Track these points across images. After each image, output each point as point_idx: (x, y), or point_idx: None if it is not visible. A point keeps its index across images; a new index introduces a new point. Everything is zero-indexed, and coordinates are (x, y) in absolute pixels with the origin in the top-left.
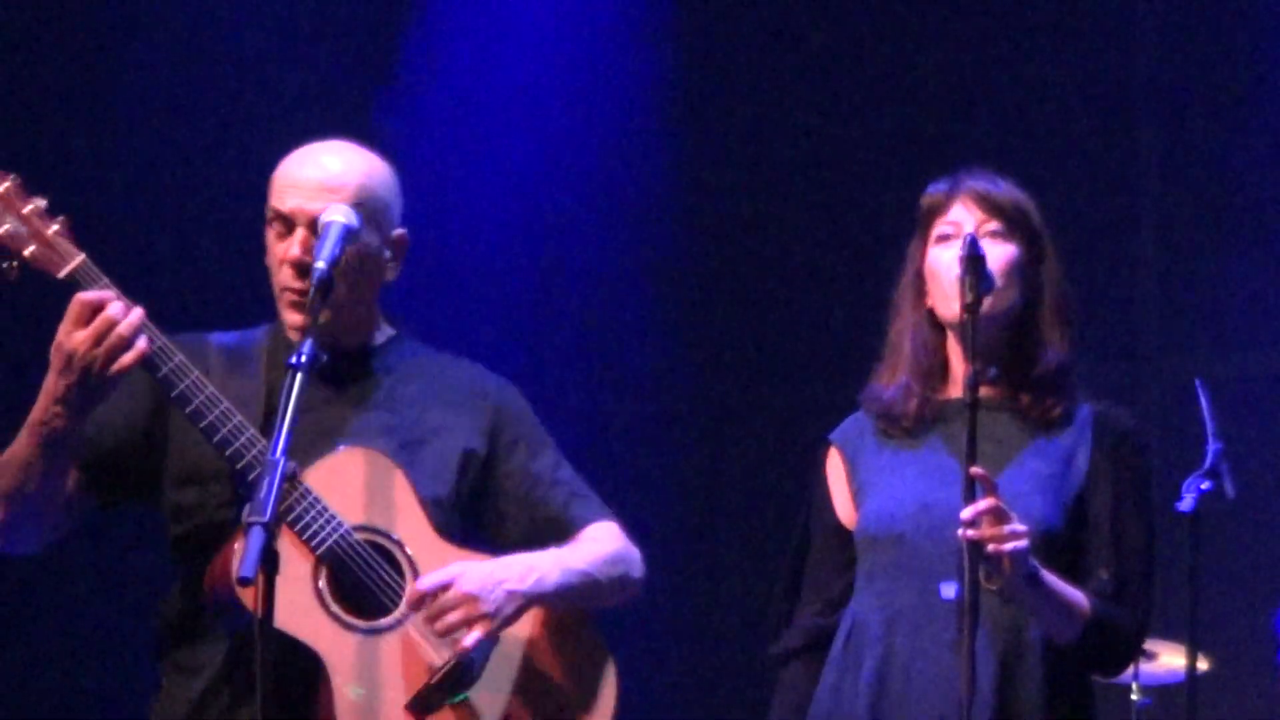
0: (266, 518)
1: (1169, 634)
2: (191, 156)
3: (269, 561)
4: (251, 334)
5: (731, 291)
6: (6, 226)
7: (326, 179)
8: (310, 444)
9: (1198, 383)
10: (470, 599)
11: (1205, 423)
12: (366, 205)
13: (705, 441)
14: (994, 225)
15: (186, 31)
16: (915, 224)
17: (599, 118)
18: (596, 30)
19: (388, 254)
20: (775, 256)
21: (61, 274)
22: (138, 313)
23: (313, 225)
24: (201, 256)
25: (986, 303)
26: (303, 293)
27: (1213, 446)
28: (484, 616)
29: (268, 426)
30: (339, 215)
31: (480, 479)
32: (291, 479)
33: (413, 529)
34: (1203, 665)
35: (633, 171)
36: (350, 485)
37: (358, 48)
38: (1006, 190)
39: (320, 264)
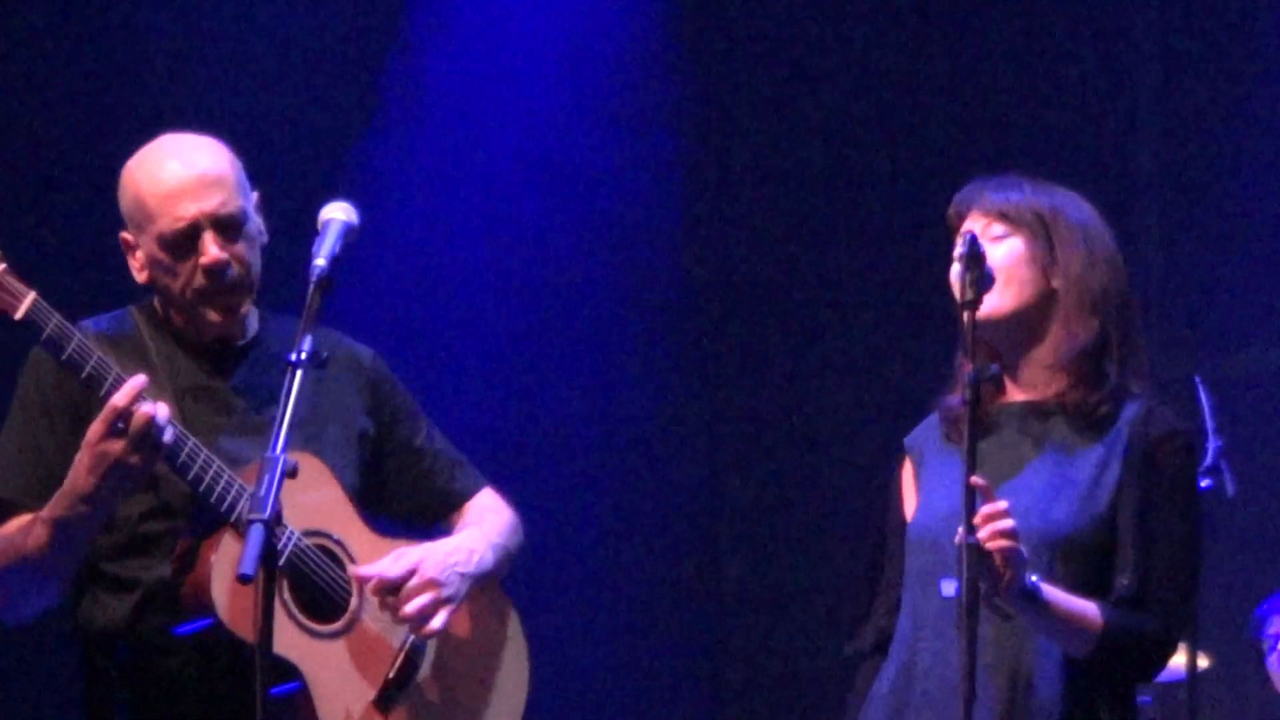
0: (266, 514)
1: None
2: None
3: (269, 559)
4: (122, 322)
5: (735, 298)
6: None
7: (205, 172)
8: (217, 447)
9: (1198, 380)
10: (434, 584)
11: (1205, 420)
12: (243, 188)
13: (708, 449)
14: (998, 229)
15: (182, 32)
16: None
17: (604, 123)
18: (600, 36)
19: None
20: (780, 262)
21: (18, 315)
22: (162, 408)
23: (216, 223)
24: None
25: (989, 302)
26: (228, 290)
27: (1213, 444)
28: (447, 600)
29: (185, 424)
30: (339, 213)
31: (370, 457)
32: (292, 474)
33: (348, 527)
34: (1203, 663)
35: (639, 175)
36: (289, 492)
37: (356, 51)
38: (1007, 190)
39: (320, 261)
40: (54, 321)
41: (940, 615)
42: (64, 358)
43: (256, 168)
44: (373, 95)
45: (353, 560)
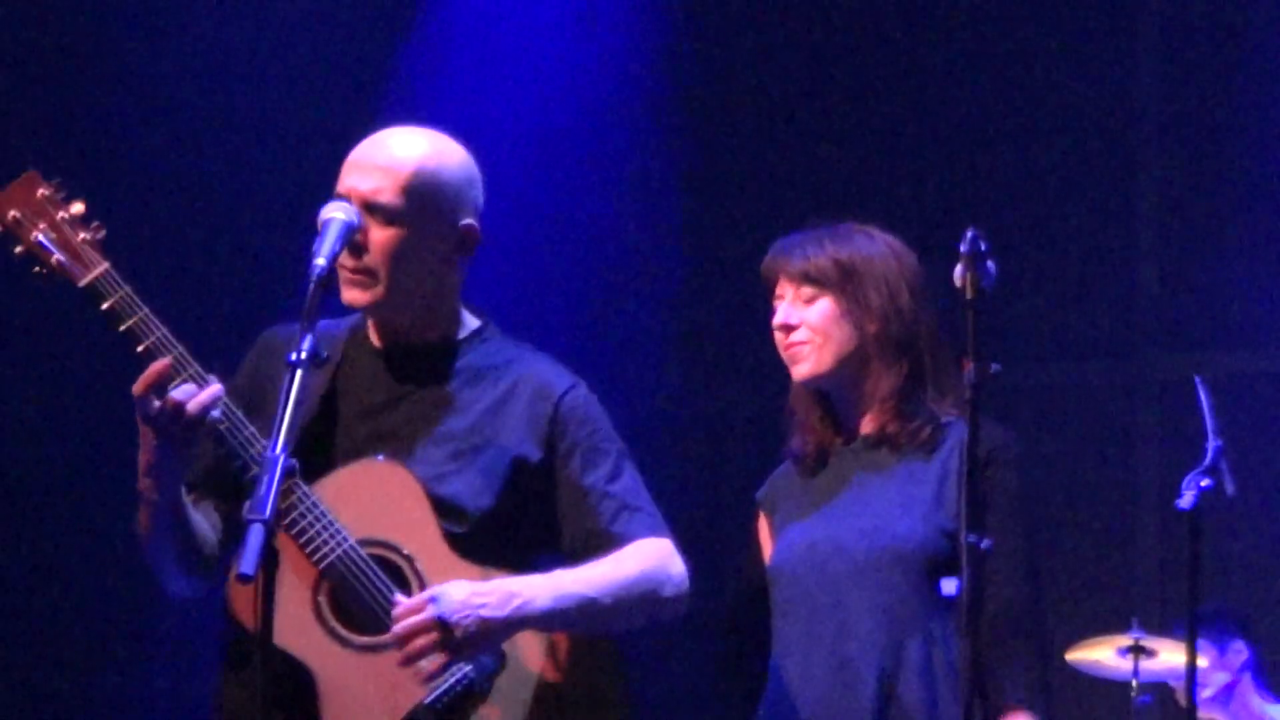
0: (266, 515)
1: (1169, 631)
2: (186, 156)
3: (269, 560)
4: (339, 324)
5: (736, 298)
6: (38, 235)
7: (383, 160)
8: (366, 448)
9: (1197, 380)
10: (439, 625)
11: (1205, 420)
12: (421, 191)
13: (706, 449)
14: (806, 290)
15: (187, 31)
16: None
17: (603, 118)
18: (600, 35)
19: (446, 245)
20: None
21: (81, 283)
22: (210, 391)
23: (365, 204)
24: (197, 256)
25: (811, 361)
26: (355, 270)
27: (1212, 444)
28: (452, 643)
29: (310, 424)
30: (339, 212)
31: (536, 487)
32: (291, 473)
33: (425, 544)
34: (1203, 663)
35: (637, 168)
36: (364, 497)
37: (359, 48)
38: (808, 249)
39: (320, 260)
40: (121, 293)
41: (806, 640)
42: (123, 329)
43: (258, 168)
44: (375, 95)
45: (421, 579)
